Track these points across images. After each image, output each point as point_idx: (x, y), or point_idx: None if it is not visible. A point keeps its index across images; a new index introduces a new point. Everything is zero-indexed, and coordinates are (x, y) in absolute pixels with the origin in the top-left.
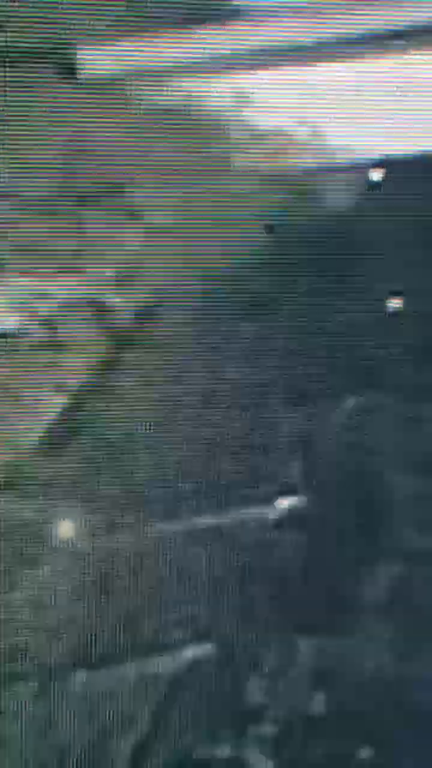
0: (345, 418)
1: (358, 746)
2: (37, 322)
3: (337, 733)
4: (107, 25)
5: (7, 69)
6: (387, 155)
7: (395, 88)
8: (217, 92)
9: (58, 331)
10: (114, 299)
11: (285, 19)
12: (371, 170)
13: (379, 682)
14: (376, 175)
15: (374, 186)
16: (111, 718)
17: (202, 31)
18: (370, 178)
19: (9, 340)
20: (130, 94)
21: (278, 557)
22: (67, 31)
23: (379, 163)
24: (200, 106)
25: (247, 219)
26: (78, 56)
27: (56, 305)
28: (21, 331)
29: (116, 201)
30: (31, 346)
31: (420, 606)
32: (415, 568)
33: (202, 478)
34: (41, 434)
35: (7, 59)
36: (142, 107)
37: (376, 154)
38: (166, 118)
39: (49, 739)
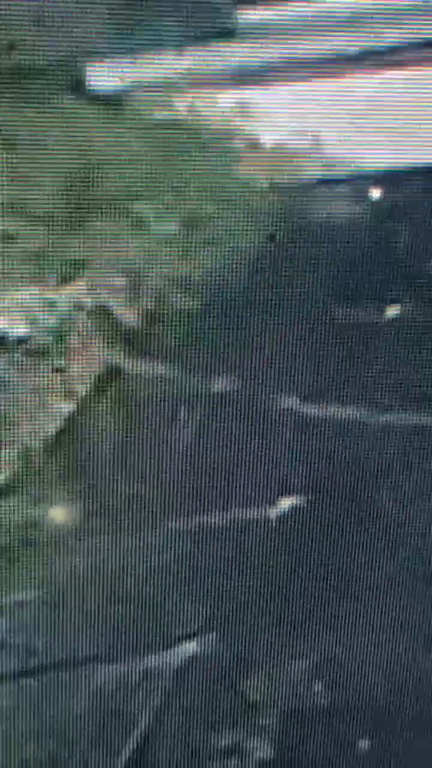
0: None
1: None
2: (45, 330)
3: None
4: (114, 43)
5: (19, 84)
6: (388, 168)
7: (396, 102)
8: (220, 106)
9: (66, 338)
10: (120, 307)
11: (286, 36)
12: (371, 188)
13: None
14: (375, 192)
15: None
16: None
17: (205, 48)
18: (370, 196)
19: (21, 346)
20: (136, 108)
21: None
22: (76, 48)
23: (379, 181)
24: (204, 119)
25: (250, 228)
26: (86, 72)
27: (63, 313)
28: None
29: (122, 212)
30: (40, 352)
31: None
32: None
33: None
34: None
35: (18, 75)
36: (146, 120)
37: (378, 166)
38: (170, 131)
39: None
